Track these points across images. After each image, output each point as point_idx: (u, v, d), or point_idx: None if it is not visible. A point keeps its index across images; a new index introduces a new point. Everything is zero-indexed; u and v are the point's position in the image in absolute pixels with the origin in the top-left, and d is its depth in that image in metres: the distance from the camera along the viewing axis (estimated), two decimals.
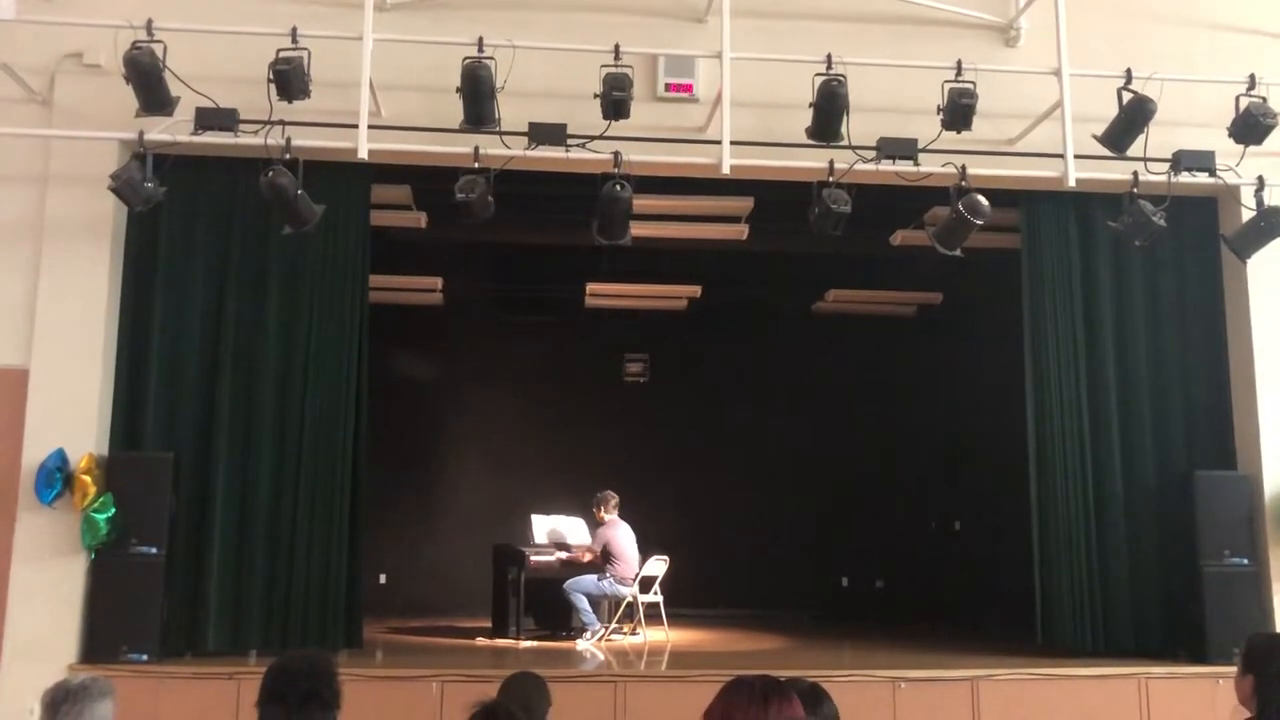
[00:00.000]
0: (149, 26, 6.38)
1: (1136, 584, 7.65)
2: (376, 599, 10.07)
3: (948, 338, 11.66)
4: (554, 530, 9.78)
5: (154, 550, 6.81)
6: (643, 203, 7.24)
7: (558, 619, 9.35)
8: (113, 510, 6.71)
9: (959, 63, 6.77)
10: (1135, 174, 7.08)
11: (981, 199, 6.82)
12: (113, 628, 6.72)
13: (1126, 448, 7.79)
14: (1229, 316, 7.96)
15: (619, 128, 6.65)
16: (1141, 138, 6.91)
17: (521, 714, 3.14)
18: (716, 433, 12.08)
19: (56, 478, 6.65)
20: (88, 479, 6.67)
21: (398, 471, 10.99)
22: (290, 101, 6.47)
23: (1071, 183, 6.96)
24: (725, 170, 6.77)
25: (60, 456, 6.73)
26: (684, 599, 9.97)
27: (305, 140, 6.67)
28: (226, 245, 7.42)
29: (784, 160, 7.06)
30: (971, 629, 9.63)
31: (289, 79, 6.36)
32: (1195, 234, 7.99)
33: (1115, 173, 7.15)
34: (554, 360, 12.03)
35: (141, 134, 6.61)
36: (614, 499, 9.40)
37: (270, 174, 6.41)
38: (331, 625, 7.16)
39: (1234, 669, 3.58)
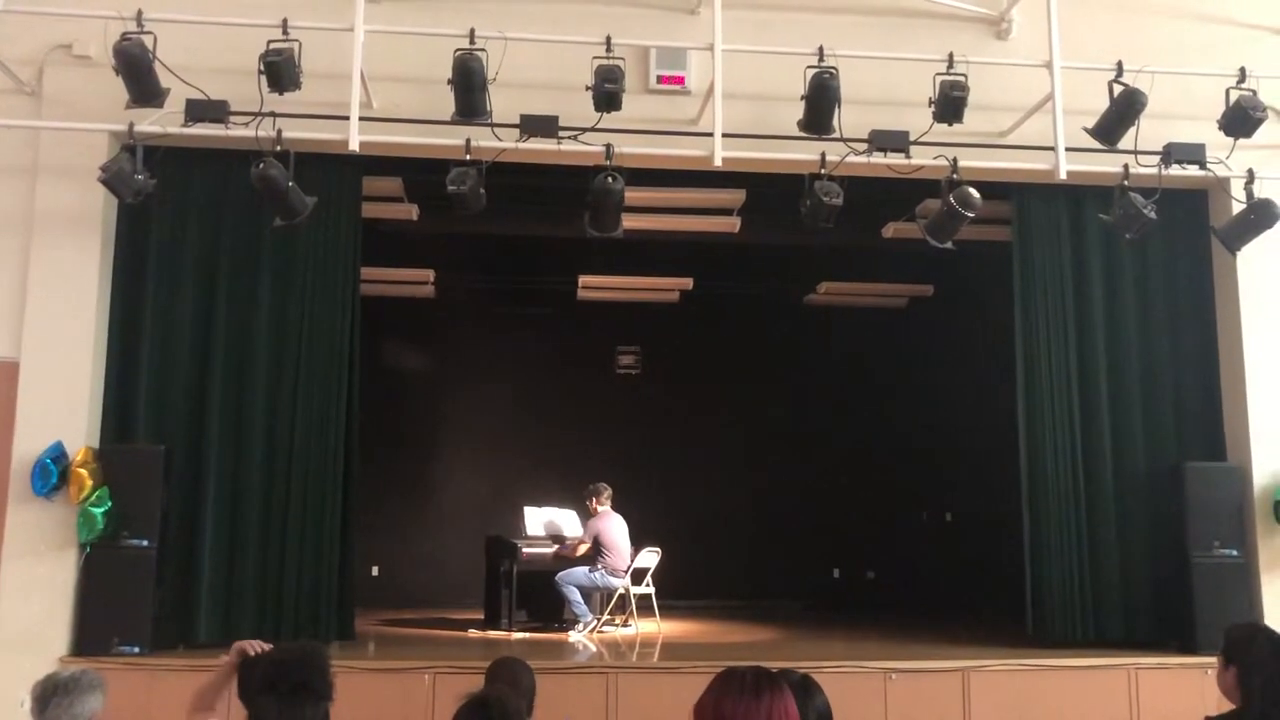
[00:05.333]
0: (139, 17, 6.33)
1: (1126, 575, 7.69)
2: (369, 591, 10.06)
3: (939, 330, 11.69)
4: (550, 522, 9.79)
5: (145, 543, 6.78)
6: (634, 195, 7.24)
7: (550, 611, 9.34)
8: (109, 504, 6.67)
9: (950, 55, 6.78)
10: (1126, 167, 7.09)
11: (973, 191, 6.83)
12: (104, 620, 6.69)
13: (1117, 439, 7.82)
14: (1219, 308, 7.99)
15: (611, 120, 6.63)
16: (1132, 130, 6.92)
17: (513, 697, 3.18)
18: (708, 425, 12.11)
19: (51, 470, 6.61)
20: (85, 473, 6.63)
21: (390, 463, 11.00)
22: (281, 93, 6.44)
23: (1062, 175, 6.96)
24: (717, 162, 6.77)
25: (58, 449, 6.69)
26: (676, 591, 9.98)
27: (296, 132, 6.64)
28: (217, 237, 7.40)
29: (776, 152, 7.05)
30: (962, 620, 9.65)
31: (280, 70, 6.33)
32: (1186, 226, 8.01)
33: (1106, 165, 7.16)
34: (546, 352, 12.03)
35: (131, 126, 6.57)
36: (606, 491, 9.41)
37: (261, 166, 6.40)
38: (324, 617, 7.17)
39: None
